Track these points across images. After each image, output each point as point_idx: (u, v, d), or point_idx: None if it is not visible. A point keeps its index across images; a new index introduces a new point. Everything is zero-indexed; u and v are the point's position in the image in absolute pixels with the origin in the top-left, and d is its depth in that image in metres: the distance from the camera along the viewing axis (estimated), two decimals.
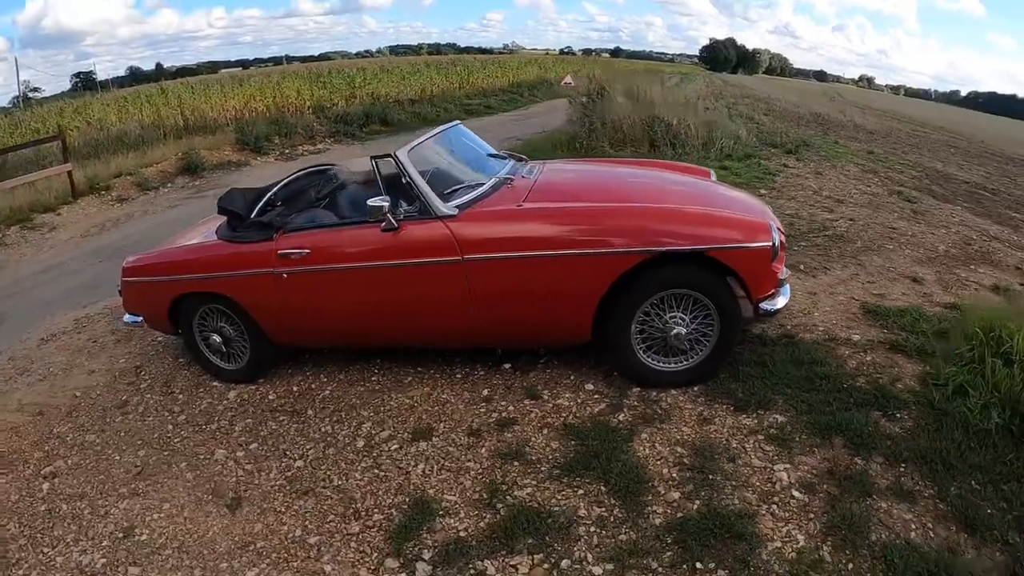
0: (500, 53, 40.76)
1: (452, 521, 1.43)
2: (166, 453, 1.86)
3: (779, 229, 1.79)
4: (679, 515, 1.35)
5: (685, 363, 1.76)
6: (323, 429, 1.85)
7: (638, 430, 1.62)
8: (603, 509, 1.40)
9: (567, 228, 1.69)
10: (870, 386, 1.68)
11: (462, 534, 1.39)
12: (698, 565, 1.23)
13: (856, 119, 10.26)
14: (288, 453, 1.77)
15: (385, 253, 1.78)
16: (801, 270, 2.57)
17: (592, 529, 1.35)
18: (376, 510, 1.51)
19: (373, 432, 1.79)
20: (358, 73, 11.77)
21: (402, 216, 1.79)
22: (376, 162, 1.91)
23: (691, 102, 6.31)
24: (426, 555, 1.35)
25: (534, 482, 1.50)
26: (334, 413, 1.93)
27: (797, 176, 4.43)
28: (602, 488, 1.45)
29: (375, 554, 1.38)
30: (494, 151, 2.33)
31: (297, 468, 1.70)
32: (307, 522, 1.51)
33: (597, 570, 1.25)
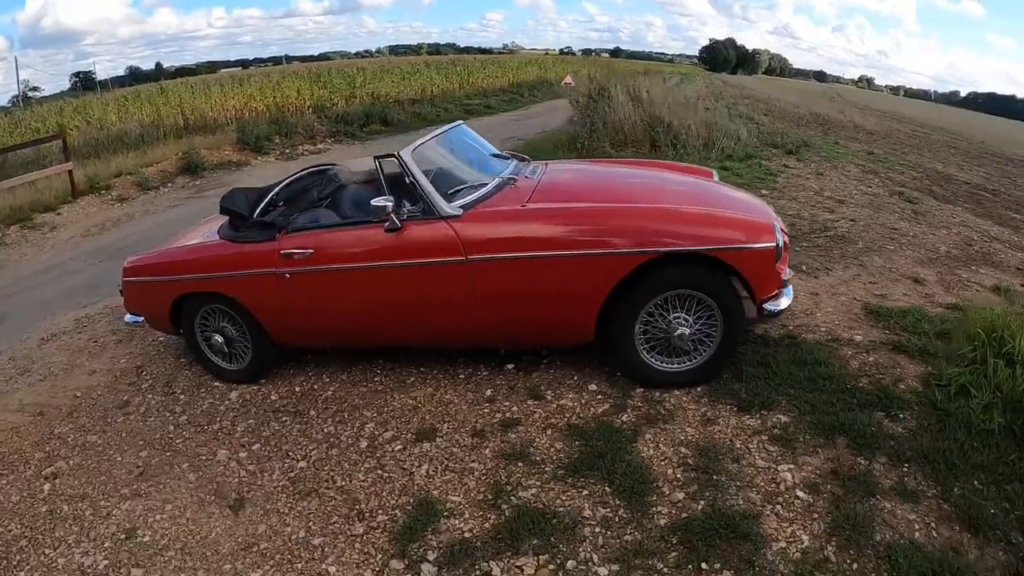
0: (500, 53, 40.76)
1: (457, 522, 1.42)
2: (168, 454, 1.86)
3: (783, 230, 1.79)
4: (684, 515, 1.35)
5: (688, 364, 1.76)
6: (326, 430, 1.85)
7: (642, 431, 1.62)
8: (608, 510, 1.40)
9: (571, 228, 1.69)
10: (873, 386, 1.69)
11: (467, 535, 1.38)
12: (703, 565, 1.23)
13: (856, 120, 10.28)
14: (291, 454, 1.76)
15: (389, 253, 1.78)
16: (803, 271, 2.58)
17: (597, 530, 1.35)
18: (380, 511, 1.50)
19: (376, 433, 1.79)
20: (358, 73, 11.78)
21: (405, 216, 1.79)
22: (379, 162, 1.91)
23: (691, 102, 6.31)
24: (431, 556, 1.35)
25: (539, 483, 1.50)
26: (337, 414, 1.92)
27: (798, 177, 4.43)
28: (607, 489, 1.45)
29: (379, 555, 1.38)
30: (497, 151, 2.33)
31: (300, 469, 1.69)
32: (311, 523, 1.50)
33: (603, 571, 1.25)
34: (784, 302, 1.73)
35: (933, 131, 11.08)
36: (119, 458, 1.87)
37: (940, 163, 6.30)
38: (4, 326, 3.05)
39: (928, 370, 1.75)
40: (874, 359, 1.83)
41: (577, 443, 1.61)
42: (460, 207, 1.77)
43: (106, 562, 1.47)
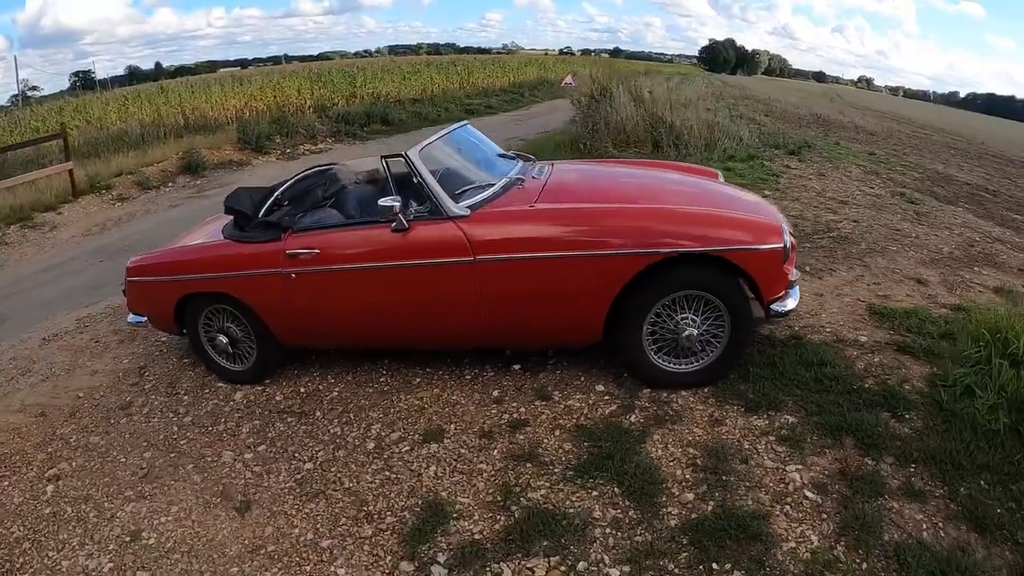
0: (499, 53, 40.74)
1: (466, 523, 1.42)
2: (172, 455, 1.85)
3: (789, 231, 1.79)
4: (694, 516, 1.35)
5: (696, 364, 1.76)
6: (332, 431, 1.85)
7: (650, 431, 1.62)
8: (618, 511, 1.39)
9: (580, 229, 1.69)
10: (879, 387, 1.69)
11: (477, 536, 1.38)
12: (714, 566, 1.23)
13: (856, 120, 10.30)
14: (297, 455, 1.76)
15: (396, 253, 1.78)
16: (807, 271, 2.58)
17: (608, 531, 1.35)
18: (389, 513, 1.50)
19: (383, 434, 1.79)
20: (359, 73, 11.76)
21: (413, 216, 1.78)
22: (386, 162, 1.90)
23: (692, 103, 6.31)
24: (441, 558, 1.34)
25: (548, 484, 1.50)
26: (343, 415, 1.92)
27: (800, 177, 4.44)
28: (616, 490, 1.45)
29: (389, 557, 1.37)
30: (503, 151, 2.33)
31: (307, 470, 1.69)
32: (319, 525, 1.50)
33: (614, 572, 1.25)
34: (791, 303, 1.74)
35: (933, 132, 11.11)
36: (123, 459, 1.86)
37: (941, 164, 6.32)
38: (5, 326, 3.03)
39: (933, 371, 1.75)
40: (879, 360, 1.83)
41: (586, 444, 1.61)
42: (468, 207, 1.77)
43: (111, 565, 1.46)
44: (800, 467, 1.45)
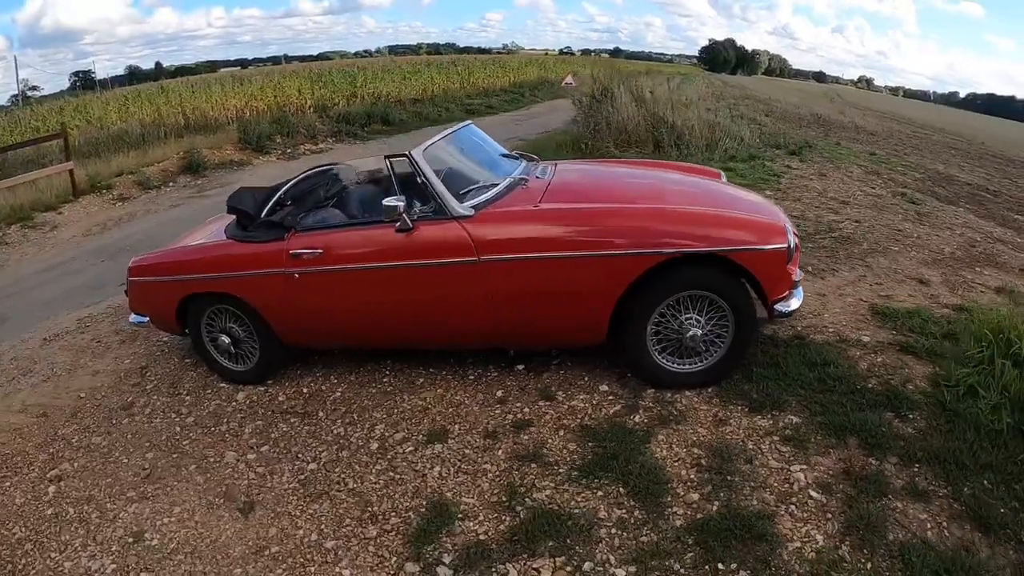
0: (499, 53, 40.73)
1: (471, 524, 1.42)
2: (175, 456, 1.84)
3: (793, 231, 1.79)
4: (699, 516, 1.35)
5: (700, 364, 1.76)
6: (335, 431, 1.84)
7: (654, 431, 1.62)
8: (623, 511, 1.39)
9: (584, 229, 1.69)
10: (882, 387, 1.69)
11: (482, 537, 1.38)
12: (720, 566, 1.23)
13: (857, 120, 10.30)
14: (300, 456, 1.75)
15: (400, 253, 1.78)
16: (809, 271, 2.58)
17: (613, 531, 1.35)
18: (393, 513, 1.50)
19: (387, 434, 1.78)
20: (360, 72, 11.75)
21: (417, 216, 1.78)
22: (390, 162, 1.90)
23: (694, 103, 6.32)
24: (446, 559, 1.34)
25: (552, 484, 1.50)
26: (346, 415, 1.92)
27: (801, 178, 4.45)
28: (621, 490, 1.45)
29: (394, 558, 1.37)
30: (506, 151, 2.33)
31: (310, 471, 1.69)
32: (323, 526, 1.49)
33: (620, 572, 1.25)
34: (795, 303, 1.74)
35: (933, 132, 11.13)
36: (125, 460, 1.85)
37: (941, 164, 6.33)
38: (5, 326, 3.02)
39: (936, 371, 1.75)
40: (882, 360, 1.83)
41: (590, 444, 1.61)
42: (472, 207, 1.77)
43: (114, 566, 1.46)
44: (804, 467, 1.45)
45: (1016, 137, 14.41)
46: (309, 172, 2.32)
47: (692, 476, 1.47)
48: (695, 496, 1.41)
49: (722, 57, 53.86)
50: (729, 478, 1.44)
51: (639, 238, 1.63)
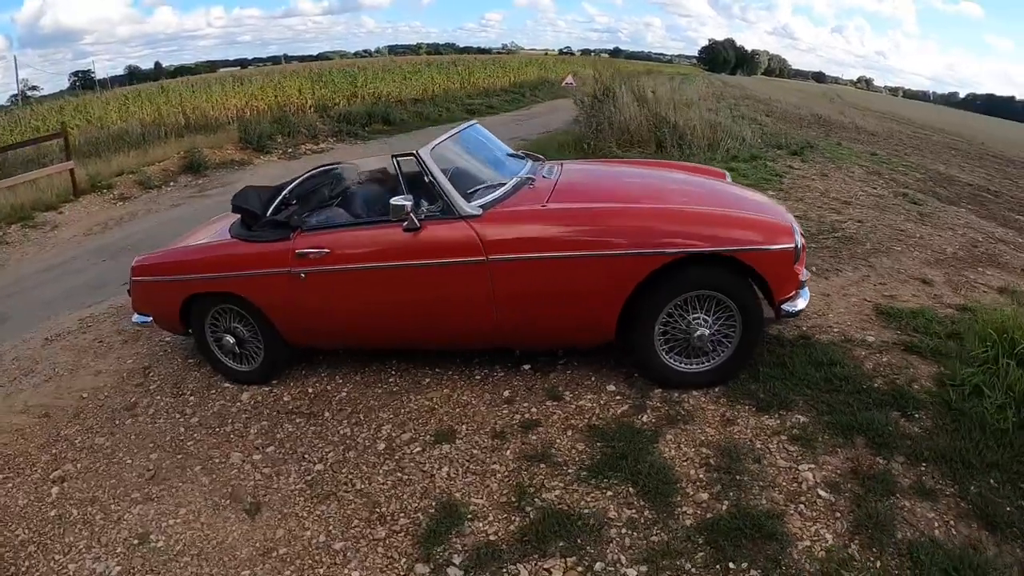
0: (499, 53, 40.73)
1: (481, 524, 1.42)
2: (179, 456, 1.83)
3: (799, 231, 1.80)
4: (709, 516, 1.35)
5: (707, 364, 1.76)
6: (341, 432, 1.84)
7: (663, 431, 1.62)
8: (633, 511, 1.39)
9: (592, 229, 1.69)
10: (888, 387, 1.69)
11: (492, 537, 1.38)
12: (731, 565, 1.23)
13: (857, 121, 10.34)
14: (307, 456, 1.75)
15: (407, 253, 1.77)
16: (813, 271, 2.58)
17: (623, 531, 1.34)
18: (402, 514, 1.49)
19: (394, 435, 1.78)
20: (360, 72, 11.74)
21: (424, 216, 1.78)
22: (397, 161, 1.90)
23: (695, 103, 6.33)
24: (456, 560, 1.33)
25: (562, 484, 1.49)
26: (352, 415, 1.91)
27: (803, 178, 4.46)
28: (630, 489, 1.45)
29: (404, 560, 1.37)
30: (512, 151, 2.32)
31: (317, 472, 1.68)
32: (331, 527, 1.49)
33: (631, 572, 1.25)
34: (801, 303, 1.74)
35: (933, 132, 11.16)
36: (129, 461, 1.84)
37: (942, 164, 6.35)
38: (7, 326, 3.01)
39: (941, 370, 1.76)
40: (888, 360, 1.83)
41: (598, 444, 1.60)
42: (480, 207, 1.76)
43: (119, 568, 1.45)
44: (813, 466, 1.46)
45: (1016, 137, 14.45)
46: (313, 171, 2.32)
47: (701, 476, 1.47)
48: (704, 496, 1.41)
49: (722, 57, 53.93)
50: (738, 477, 1.44)
51: (647, 238, 1.63)
